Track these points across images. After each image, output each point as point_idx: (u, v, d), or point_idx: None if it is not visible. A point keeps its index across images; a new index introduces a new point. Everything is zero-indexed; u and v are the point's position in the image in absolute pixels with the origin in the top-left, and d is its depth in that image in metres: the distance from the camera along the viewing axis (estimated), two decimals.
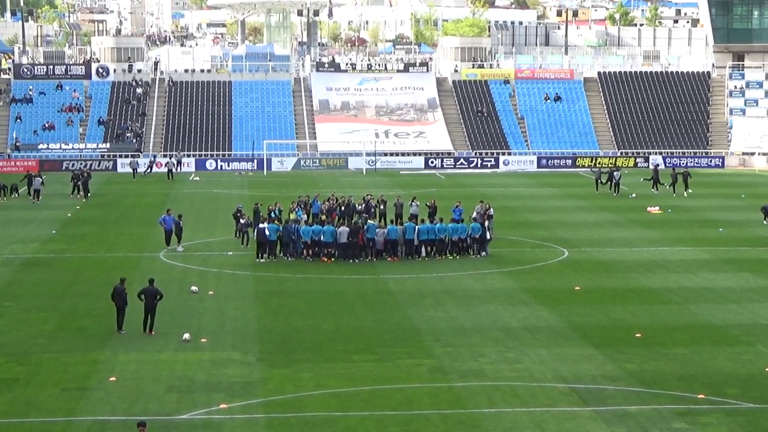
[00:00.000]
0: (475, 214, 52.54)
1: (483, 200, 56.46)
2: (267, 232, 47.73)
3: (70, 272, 45.75)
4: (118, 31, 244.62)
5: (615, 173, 73.11)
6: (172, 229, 50.61)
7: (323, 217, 52.17)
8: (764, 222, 58.84)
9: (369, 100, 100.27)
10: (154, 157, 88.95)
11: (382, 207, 56.49)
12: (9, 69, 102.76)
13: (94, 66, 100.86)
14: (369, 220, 50.72)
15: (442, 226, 48.74)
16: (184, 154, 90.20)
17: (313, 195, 58.95)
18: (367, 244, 48.01)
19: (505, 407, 27.85)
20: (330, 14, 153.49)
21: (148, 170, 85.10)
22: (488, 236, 49.44)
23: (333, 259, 47.63)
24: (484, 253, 48.92)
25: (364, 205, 55.94)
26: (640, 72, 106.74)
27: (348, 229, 48.17)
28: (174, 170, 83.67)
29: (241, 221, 52.10)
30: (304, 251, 48.03)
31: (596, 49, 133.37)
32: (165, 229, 50.84)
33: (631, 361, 32.02)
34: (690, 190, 71.36)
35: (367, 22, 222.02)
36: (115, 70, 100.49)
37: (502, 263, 47.52)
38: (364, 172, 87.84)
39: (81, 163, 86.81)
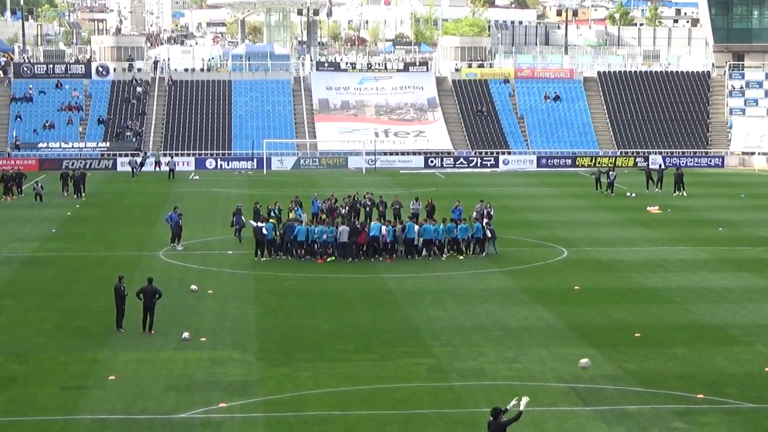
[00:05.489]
0: (474, 213, 52.49)
1: (483, 200, 56.43)
2: (264, 231, 47.70)
3: (69, 271, 45.75)
4: (118, 30, 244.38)
5: (610, 173, 73.18)
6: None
7: (323, 217, 52.14)
8: None
9: (369, 99, 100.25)
10: (145, 154, 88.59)
11: (381, 208, 56.42)
12: (9, 67, 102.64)
13: (93, 65, 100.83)
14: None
15: (449, 227, 48.49)
16: (173, 153, 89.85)
17: (316, 194, 58.96)
18: (370, 243, 47.92)
19: (505, 407, 27.76)
20: (329, 14, 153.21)
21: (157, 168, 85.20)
22: (489, 235, 49.31)
23: (330, 258, 47.50)
24: (484, 252, 48.88)
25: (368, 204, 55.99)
26: (640, 72, 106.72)
27: (348, 228, 48.09)
28: (175, 169, 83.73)
29: (238, 219, 51.82)
30: (300, 250, 47.93)
31: (596, 49, 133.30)
32: (171, 227, 50.84)
33: (630, 361, 32.02)
34: (684, 194, 71.04)
35: (367, 22, 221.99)
36: (114, 69, 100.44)
37: (501, 263, 47.50)
38: (364, 172, 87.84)
39: (81, 162, 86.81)
